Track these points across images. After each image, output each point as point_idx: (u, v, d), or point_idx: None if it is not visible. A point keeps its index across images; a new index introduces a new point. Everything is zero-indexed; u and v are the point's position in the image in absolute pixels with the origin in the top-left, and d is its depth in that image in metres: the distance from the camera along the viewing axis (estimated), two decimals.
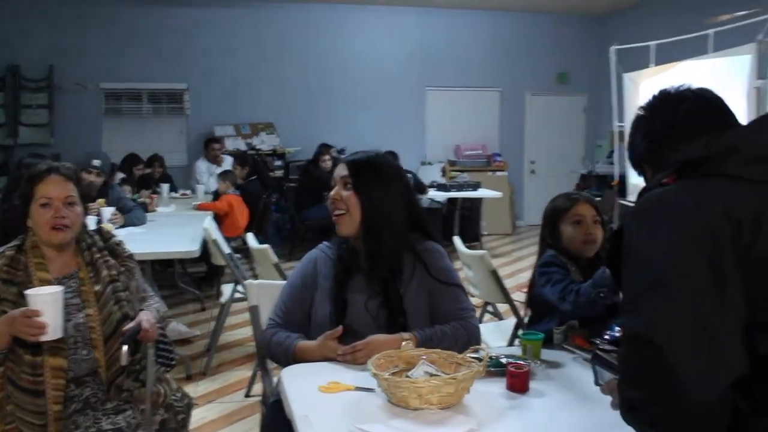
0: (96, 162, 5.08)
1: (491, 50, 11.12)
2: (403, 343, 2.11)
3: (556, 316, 2.41)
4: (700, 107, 1.52)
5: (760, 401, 1.20)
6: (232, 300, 4.55)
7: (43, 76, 9.54)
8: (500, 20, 11.08)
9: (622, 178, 8.94)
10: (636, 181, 8.48)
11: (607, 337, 2.04)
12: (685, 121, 1.49)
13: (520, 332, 2.33)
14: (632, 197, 8.26)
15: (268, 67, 10.26)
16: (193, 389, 4.17)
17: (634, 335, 1.25)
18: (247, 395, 4.13)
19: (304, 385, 1.95)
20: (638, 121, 1.61)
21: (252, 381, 4.16)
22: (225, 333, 4.97)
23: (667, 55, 7.69)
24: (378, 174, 2.31)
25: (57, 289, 2.21)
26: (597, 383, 1.72)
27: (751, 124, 1.46)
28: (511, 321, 3.61)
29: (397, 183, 2.34)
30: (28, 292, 2.19)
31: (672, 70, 7.61)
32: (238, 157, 7.94)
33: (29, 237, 2.43)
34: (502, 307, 4.18)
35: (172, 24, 9.96)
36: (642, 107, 1.62)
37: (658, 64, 7.93)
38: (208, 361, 4.59)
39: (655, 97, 1.59)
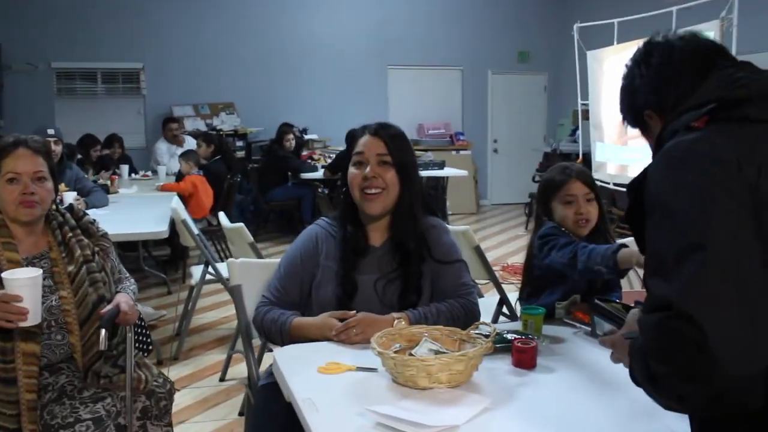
0: (50, 130, 4.88)
1: (453, 28, 11.04)
2: (395, 322, 2.02)
3: (557, 289, 2.33)
4: (704, 45, 1.42)
5: None
6: (203, 282, 4.40)
7: None
8: None
9: (586, 156, 8.98)
10: (601, 158, 8.53)
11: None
12: (701, 59, 1.38)
13: (520, 307, 2.25)
14: (597, 175, 8.29)
15: (228, 46, 10.02)
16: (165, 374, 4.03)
17: (663, 303, 1.11)
18: (222, 379, 4.00)
19: (302, 367, 1.85)
20: (636, 67, 1.48)
21: (227, 365, 4.03)
22: (195, 317, 4.82)
23: (630, 33, 7.69)
24: (409, 147, 2.24)
25: (36, 272, 2.08)
26: (594, 334, 1.66)
27: None
28: (493, 298, 3.56)
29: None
30: (4, 275, 2.05)
31: (636, 48, 7.61)
32: (203, 135, 7.73)
33: None
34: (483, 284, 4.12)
35: (124, 1, 9.63)
36: (635, 56, 1.49)
37: (620, 42, 7.94)
38: (179, 345, 4.45)
39: (650, 43, 1.47)
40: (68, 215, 2.42)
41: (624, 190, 7.97)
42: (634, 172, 7.89)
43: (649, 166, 1.28)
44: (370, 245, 2.21)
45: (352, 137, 8.18)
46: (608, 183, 7.89)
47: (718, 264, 1.08)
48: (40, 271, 2.11)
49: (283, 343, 2.09)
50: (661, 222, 1.18)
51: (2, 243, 2.24)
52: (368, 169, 2.15)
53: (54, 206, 2.41)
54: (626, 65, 1.51)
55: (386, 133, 2.19)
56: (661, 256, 1.16)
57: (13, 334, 2.13)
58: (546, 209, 2.49)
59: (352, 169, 2.20)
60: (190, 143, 8.36)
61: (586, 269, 2.14)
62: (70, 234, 2.36)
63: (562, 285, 2.32)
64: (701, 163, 1.16)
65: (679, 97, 1.37)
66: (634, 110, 1.50)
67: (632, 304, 1.74)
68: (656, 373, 1.12)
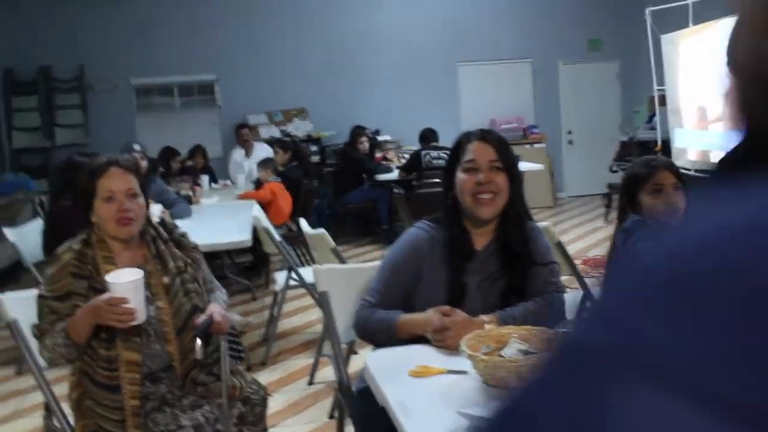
0: (137, 146, 5.08)
1: (520, 21, 10.92)
2: (486, 325, 2.03)
3: None
4: None
5: None
6: (287, 287, 4.49)
7: (74, 76, 9.58)
8: None
9: (665, 143, 8.75)
10: (681, 144, 8.31)
11: None
12: None
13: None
14: (678, 162, 8.07)
15: (295, 52, 10.18)
16: None
17: None
18: (310, 383, 4.08)
19: (393, 371, 1.88)
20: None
21: (314, 368, 4.11)
22: (280, 321, 4.92)
23: (706, 14, 7.47)
24: (513, 152, 2.31)
25: (138, 274, 2.19)
26: None
27: None
28: (576, 293, 3.52)
29: None
30: (109, 279, 2.16)
31: (712, 29, 7.40)
32: (279, 142, 7.88)
33: (94, 232, 2.38)
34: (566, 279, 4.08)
35: (194, 15, 9.89)
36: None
37: (695, 23, 7.72)
38: (267, 351, 4.55)
39: None
40: (161, 229, 2.52)
41: (707, 176, 7.75)
42: (716, 157, 7.66)
43: None
44: (474, 249, 2.25)
45: (426, 140, 8.25)
46: (690, 169, 7.68)
47: None
48: (141, 272, 2.22)
49: (389, 343, 2.13)
50: None
51: (102, 257, 2.35)
52: (481, 174, 2.18)
53: (146, 221, 2.52)
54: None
55: (494, 138, 2.26)
56: None
57: (117, 342, 2.24)
58: (632, 202, 2.47)
59: (462, 176, 2.22)
60: (259, 149, 8.56)
61: None
62: (164, 247, 2.46)
63: None
64: None
65: None
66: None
67: None
68: None
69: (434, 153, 7.72)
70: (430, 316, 2.07)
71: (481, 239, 2.27)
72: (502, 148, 2.23)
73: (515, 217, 2.24)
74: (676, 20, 8.01)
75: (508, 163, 2.22)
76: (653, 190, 2.39)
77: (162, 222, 2.60)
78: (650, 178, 2.40)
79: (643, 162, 2.48)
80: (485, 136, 2.25)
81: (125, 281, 2.15)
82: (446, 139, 9.56)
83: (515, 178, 2.23)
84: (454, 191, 2.25)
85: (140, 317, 2.18)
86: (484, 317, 2.09)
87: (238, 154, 8.80)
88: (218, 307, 2.44)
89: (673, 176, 2.41)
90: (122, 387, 2.25)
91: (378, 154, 9.27)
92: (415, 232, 2.32)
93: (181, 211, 5.20)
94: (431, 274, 2.22)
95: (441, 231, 2.28)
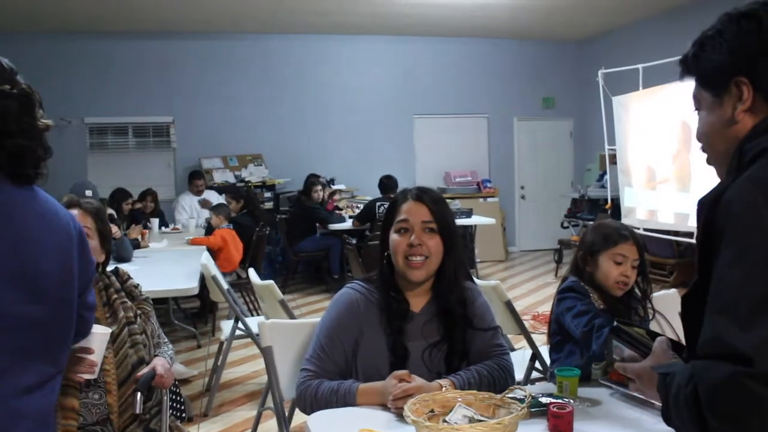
0: (88, 192, 4.98)
1: (477, 77, 11.13)
2: (443, 389, 1.99)
3: (577, 347, 2.34)
4: None
5: None
6: (233, 337, 4.40)
7: None
8: (485, 47, 11.09)
9: (615, 201, 8.92)
10: (630, 203, 8.46)
11: None
12: None
13: (556, 369, 2.22)
14: (626, 220, 8.23)
15: (255, 98, 10.19)
16: None
17: (737, 355, 1.00)
18: None
19: None
20: (737, 21, 1.25)
21: (257, 422, 3.99)
22: (224, 371, 4.80)
23: (655, 79, 7.69)
24: (450, 211, 2.24)
25: (107, 330, 2.14)
26: (609, 358, 1.60)
27: None
28: (524, 352, 3.52)
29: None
30: None
31: (662, 93, 7.61)
32: (232, 191, 7.81)
33: None
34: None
35: (154, 56, 9.86)
36: (734, 13, 1.26)
37: (645, 87, 7.94)
38: (210, 402, 4.43)
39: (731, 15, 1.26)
40: (113, 278, 2.46)
41: (654, 235, 7.90)
42: (663, 216, 7.81)
43: (734, 188, 1.12)
44: (411, 311, 2.19)
45: (385, 187, 8.25)
46: (638, 228, 7.81)
47: None
48: (110, 330, 2.16)
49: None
50: (743, 258, 1.06)
51: None
52: (413, 237, 2.13)
53: (100, 268, 2.45)
54: (721, 18, 1.28)
55: (429, 198, 2.18)
56: (735, 295, 1.05)
57: None
58: (589, 259, 2.48)
59: (395, 236, 2.17)
60: (211, 197, 8.51)
61: (599, 353, 2.17)
62: (115, 296, 2.40)
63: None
64: None
65: None
66: (719, 71, 1.26)
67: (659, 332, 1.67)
68: (714, 429, 1.03)
69: (388, 204, 7.72)
70: (389, 383, 1.99)
71: (417, 300, 2.21)
72: (438, 209, 2.16)
73: (449, 279, 2.18)
74: (627, 83, 8.24)
75: (442, 224, 2.15)
76: (615, 260, 2.42)
77: (115, 270, 2.53)
78: (617, 246, 2.42)
79: (618, 226, 2.50)
80: (420, 195, 2.18)
81: (97, 332, 2.08)
82: None
83: (450, 240, 2.16)
84: (388, 251, 2.19)
85: (95, 374, 2.12)
86: (442, 382, 2.04)
87: (188, 199, 8.74)
88: (162, 360, 2.37)
89: (637, 252, 2.44)
90: None
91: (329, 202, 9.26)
92: (350, 293, 2.23)
93: (122, 251, 5.07)
94: (371, 338, 2.14)
95: (376, 292, 2.21)
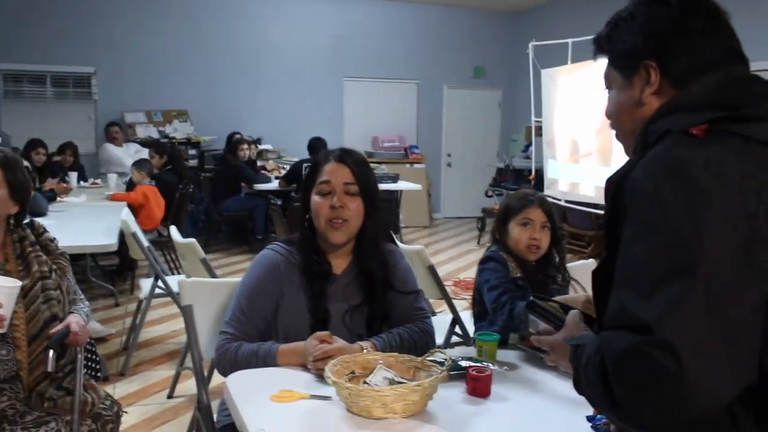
0: None
1: (409, 42, 11.10)
2: (364, 351, 1.99)
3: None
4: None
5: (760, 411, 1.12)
6: (152, 295, 4.31)
7: None
8: (418, 13, 11.06)
9: (539, 172, 9.09)
10: (553, 175, 8.63)
11: None
12: (730, 40, 1.25)
13: (476, 334, 2.26)
14: (549, 191, 8.40)
15: (183, 53, 9.90)
16: (111, 391, 3.91)
17: (639, 325, 1.03)
18: (170, 396, 3.93)
19: (255, 395, 1.81)
20: (637, 9, 1.29)
21: (175, 381, 3.96)
22: (142, 330, 4.71)
23: (584, 54, 7.82)
24: (372, 173, 2.20)
25: (17, 283, 2.08)
26: (525, 332, 1.64)
27: None
28: (445, 317, 3.56)
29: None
30: None
31: (589, 68, 7.75)
32: (155, 146, 7.59)
33: None
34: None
35: (75, 3, 9.44)
36: (634, 5, 1.30)
37: (574, 61, 8.07)
38: (127, 361, 4.34)
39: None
40: (29, 231, 2.37)
41: (575, 207, 8.09)
42: (585, 189, 8.01)
43: (639, 167, 1.15)
44: (332, 272, 2.17)
45: (314, 149, 8.18)
46: (560, 199, 7.99)
47: (706, 294, 1.02)
48: (20, 283, 2.09)
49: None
50: (647, 234, 1.10)
51: None
52: (335, 198, 2.10)
53: (14, 220, 2.34)
54: (634, 0, 1.32)
55: (352, 159, 2.15)
56: (638, 268, 1.09)
57: None
58: (502, 229, 2.53)
59: (316, 198, 2.13)
60: (130, 149, 8.32)
61: (506, 327, 2.27)
62: (30, 249, 2.31)
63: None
64: (706, 185, 1.07)
65: (695, 67, 1.22)
66: (629, 53, 1.29)
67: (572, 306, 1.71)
68: (620, 397, 1.07)
69: None
70: (310, 344, 1.98)
71: (338, 262, 2.19)
72: (360, 171, 2.13)
73: (370, 243, 2.17)
74: (556, 56, 8.36)
75: (364, 186, 2.13)
76: (522, 222, 2.47)
77: (30, 223, 2.43)
78: (522, 211, 2.48)
79: (521, 195, 2.56)
80: (343, 156, 2.14)
81: (6, 285, 2.00)
82: None
83: (371, 203, 2.15)
84: (310, 213, 2.16)
85: (4, 328, 2.05)
86: (363, 344, 2.05)
87: (112, 147, 8.52)
88: (77, 317, 2.30)
89: (544, 215, 2.49)
90: None
91: (259, 164, 9.14)
92: (271, 255, 2.19)
93: (34, 206, 4.88)
94: (292, 300, 2.12)
95: (297, 254, 2.18)
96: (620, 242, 1.16)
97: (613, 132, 1.41)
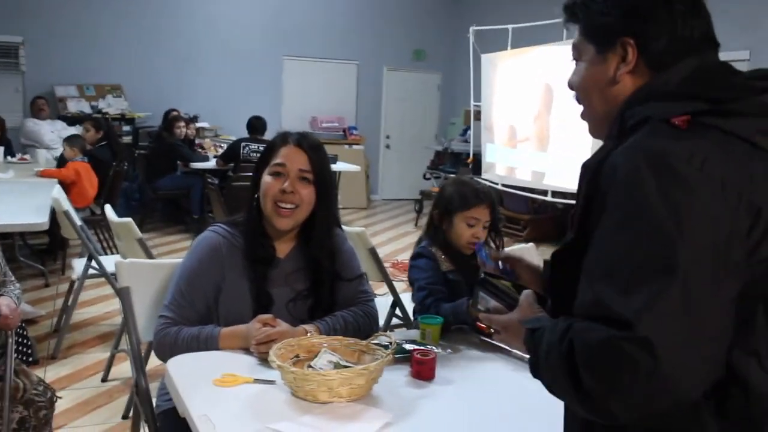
0: None
1: (350, 23, 11.02)
2: (308, 335, 1.98)
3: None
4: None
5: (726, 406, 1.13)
6: (85, 276, 4.20)
7: None
8: None
9: (477, 156, 9.18)
10: (491, 159, 8.73)
11: None
12: (707, 27, 1.23)
13: (420, 317, 2.26)
14: (486, 175, 8.50)
15: (118, 25, 9.59)
16: (42, 375, 3.81)
17: (617, 319, 1.02)
18: (104, 380, 3.83)
19: (197, 379, 1.78)
20: None
21: (110, 364, 3.87)
22: (75, 311, 4.58)
23: (523, 40, 7.91)
24: (329, 160, 2.16)
25: None
26: (474, 308, 1.63)
27: None
28: (386, 299, 3.57)
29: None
30: None
31: (529, 54, 7.85)
32: (92, 120, 7.34)
33: None
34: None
35: None
36: None
37: (514, 47, 8.16)
38: (58, 343, 4.21)
39: None
40: None
41: (512, 191, 8.21)
42: (521, 174, 8.13)
43: (619, 155, 1.12)
44: (276, 256, 2.14)
45: (253, 128, 8.07)
46: (497, 183, 8.09)
47: (685, 292, 1.02)
48: None
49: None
50: (627, 226, 1.07)
51: None
52: (287, 183, 2.05)
53: None
54: None
55: (309, 145, 2.09)
56: (617, 262, 1.07)
57: None
58: (445, 218, 2.51)
59: (268, 178, 2.07)
60: (56, 126, 8.12)
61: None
62: None
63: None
64: (689, 179, 1.05)
65: (674, 49, 1.20)
66: (607, 27, 1.24)
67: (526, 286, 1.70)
68: (589, 388, 1.05)
69: (254, 146, 7.58)
70: (253, 327, 1.95)
71: (282, 246, 2.15)
72: (317, 158, 2.08)
73: (321, 232, 2.13)
74: (497, 42, 8.43)
75: (319, 174, 2.08)
76: (468, 222, 2.46)
77: None
78: (470, 210, 2.46)
79: (471, 191, 2.50)
80: (301, 141, 2.09)
81: None
82: (267, 133, 9.45)
83: (325, 191, 2.10)
84: (258, 193, 2.12)
85: None
86: (307, 327, 2.02)
87: (32, 123, 8.23)
88: (8, 300, 2.22)
89: (490, 215, 2.49)
90: None
91: (197, 142, 8.96)
92: (212, 236, 2.12)
93: None
94: (234, 284, 2.07)
95: (240, 236, 2.12)
96: (592, 228, 1.13)
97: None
